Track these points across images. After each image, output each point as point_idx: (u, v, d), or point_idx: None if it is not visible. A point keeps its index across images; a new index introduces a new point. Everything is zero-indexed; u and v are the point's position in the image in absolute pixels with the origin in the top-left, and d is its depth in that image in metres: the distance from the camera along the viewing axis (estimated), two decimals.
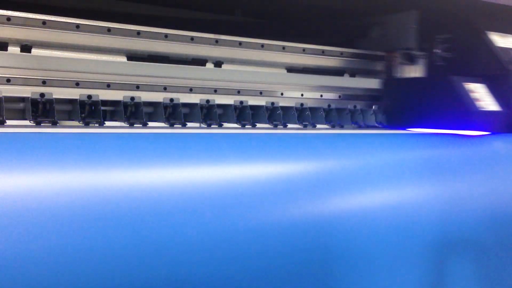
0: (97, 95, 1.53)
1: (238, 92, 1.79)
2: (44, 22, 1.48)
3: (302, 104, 1.89)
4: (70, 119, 1.54)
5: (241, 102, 1.77)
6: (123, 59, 1.62)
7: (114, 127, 1.53)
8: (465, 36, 1.99)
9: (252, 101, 1.80)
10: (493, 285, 1.60)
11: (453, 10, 1.98)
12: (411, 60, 2.08)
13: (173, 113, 1.65)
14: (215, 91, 1.75)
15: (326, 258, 1.27)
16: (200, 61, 1.74)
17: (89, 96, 1.52)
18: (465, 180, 1.60)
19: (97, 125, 1.51)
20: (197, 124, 1.70)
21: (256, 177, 1.25)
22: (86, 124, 1.51)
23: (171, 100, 1.64)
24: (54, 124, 1.44)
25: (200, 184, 1.16)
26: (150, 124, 1.61)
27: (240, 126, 1.75)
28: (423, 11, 2.03)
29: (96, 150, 1.12)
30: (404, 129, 1.93)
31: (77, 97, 1.51)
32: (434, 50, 2.05)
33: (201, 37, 1.72)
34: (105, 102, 1.57)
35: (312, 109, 1.91)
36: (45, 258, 0.95)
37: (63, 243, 0.97)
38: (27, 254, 0.93)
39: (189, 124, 1.66)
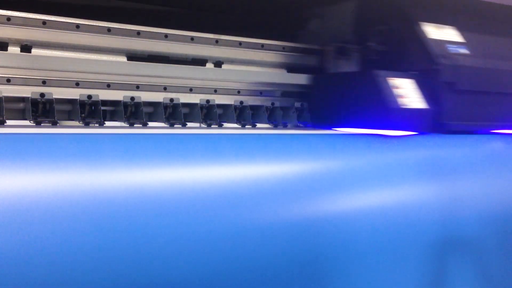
0: (97, 95, 1.53)
1: (238, 92, 1.79)
2: (44, 22, 1.48)
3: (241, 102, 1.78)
4: (70, 119, 1.54)
5: (241, 102, 1.77)
6: (123, 59, 1.62)
7: (114, 127, 1.53)
8: (399, 28, 1.80)
9: (252, 101, 1.80)
10: (493, 285, 1.60)
11: (389, 0, 1.81)
12: (344, 54, 1.91)
13: (173, 113, 1.65)
14: (215, 91, 1.75)
15: (325, 258, 1.27)
16: (200, 61, 1.74)
17: (89, 96, 1.52)
18: (456, 181, 1.60)
19: (97, 125, 1.51)
20: (197, 124, 1.70)
21: (256, 178, 1.25)
22: (86, 124, 1.51)
23: (171, 100, 1.64)
24: (54, 124, 1.44)
25: (200, 184, 1.16)
26: (150, 124, 1.61)
27: (240, 126, 1.75)
28: (361, 2, 1.90)
29: (96, 150, 1.12)
30: (329, 128, 1.77)
31: (77, 97, 1.51)
32: (368, 44, 1.87)
33: (201, 37, 1.72)
34: (105, 102, 1.57)
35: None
36: (45, 259, 0.94)
37: (63, 243, 0.97)
38: (27, 255, 0.93)
39: (189, 124, 1.66)
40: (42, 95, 1.45)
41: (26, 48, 1.47)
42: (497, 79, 1.85)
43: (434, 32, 1.77)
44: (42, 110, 1.46)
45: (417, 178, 1.50)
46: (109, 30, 1.57)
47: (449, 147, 1.67)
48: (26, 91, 1.44)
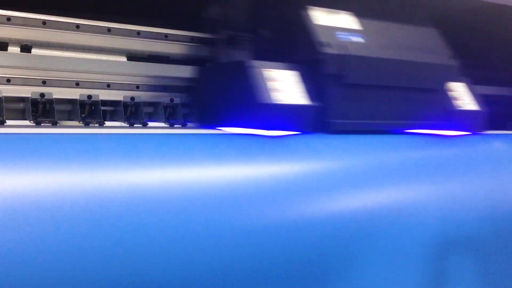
0: (97, 95, 1.53)
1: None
2: (44, 22, 1.48)
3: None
4: (70, 119, 1.54)
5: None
6: (123, 59, 1.62)
7: (114, 127, 1.53)
8: (287, 13, 1.57)
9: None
10: (493, 285, 1.60)
11: None
12: (234, 43, 1.68)
13: (173, 113, 1.65)
14: None
15: (325, 258, 1.27)
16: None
17: (89, 96, 1.52)
18: (455, 181, 1.60)
19: (97, 125, 1.51)
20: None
21: (256, 178, 1.25)
22: (86, 124, 1.51)
23: (172, 100, 1.64)
24: (54, 124, 1.44)
25: (200, 184, 1.16)
26: (150, 124, 1.61)
27: None
28: None
29: (95, 150, 1.12)
30: (213, 128, 1.53)
31: (77, 97, 1.51)
32: (259, 31, 1.66)
33: (199, 37, 1.71)
34: (105, 102, 1.57)
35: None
36: (45, 259, 0.95)
37: (63, 243, 0.97)
38: (27, 255, 0.93)
39: (189, 124, 1.66)
40: (42, 95, 1.45)
41: (26, 48, 1.47)
42: (397, 71, 1.61)
43: (324, 17, 1.56)
44: (42, 110, 1.46)
45: (417, 178, 1.50)
46: (109, 30, 1.57)
47: (449, 147, 1.67)
48: (26, 91, 1.44)
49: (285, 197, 1.23)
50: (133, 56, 1.63)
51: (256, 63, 1.43)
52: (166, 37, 1.67)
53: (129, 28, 1.60)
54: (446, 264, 1.48)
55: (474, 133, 1.78)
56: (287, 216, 1.22)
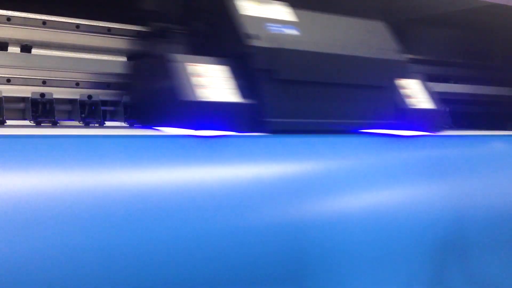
0: (97, 95, 1.53)
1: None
2: (44, 22, 1.48)
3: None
4: (70, 119, 1.54)
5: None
6: (123, 59, 1.62)
7: (114, 127, 1.53)
8: (216, 4, 1.46)
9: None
10: (493, 285, 1.60)
11: None
12: (164, 36, 1.60)
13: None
14: None
15: (322, 259, 1.27)
16: None
17: (89, 96, 1.52)
18: (454, 181, 1.60)
19: (97, 125, 1.51)
20: None
21: (256, 178, 1.25)
22: (86, 124, 1.51)
23: None
24: (54, 124, 1.44)
25: (200, 185, 1.16)
26: None
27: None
28: None
29: (95, 151, 1.12)
30: (151, 128, 1.43)
31: (77, 97, 1.51)
32: (193, 24, 1.56)
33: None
34: (105, 102, 1.57)
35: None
36: (45, 260, 0.95)
37: (63, 243, 0.97)
38: (26, 256, 0.93)
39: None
40: (42, 95, 1.45)
41: (26, 48, 1.47)
42: (336, 67, 1.49)
43: (254, 8, 1.44)
44: (42, 110, 1.46)
45: (417, 179, 1.50)
46: (109, 30, 1.57)
47: (449, 147, 1.67)
48: (26, 91, 1.44)
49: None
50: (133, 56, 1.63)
51: (180, 57, 1.33)
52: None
53: (129, 28, 1.60)
54: (447, 264, 1.48)
55: (430, 134, 1.66)
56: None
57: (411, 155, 1.55)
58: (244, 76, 1.37)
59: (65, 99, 1.52)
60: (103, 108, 1.53)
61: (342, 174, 1.37)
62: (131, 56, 1.62)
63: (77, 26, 1.52)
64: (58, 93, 1.49)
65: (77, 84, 1.52)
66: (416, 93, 1.68)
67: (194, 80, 1.29)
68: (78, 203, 1.00)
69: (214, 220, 1.13)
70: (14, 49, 1.46)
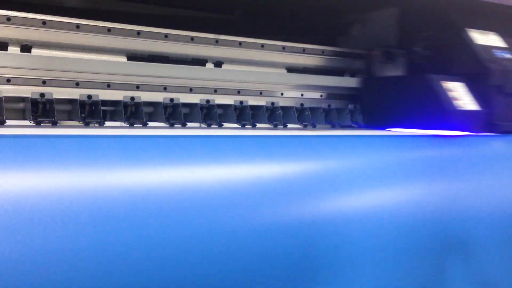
0: (97, 95, 1.53)
1: (238, 92, 1.80)
2: (44, 22, 1.48)
3: (302, 104, 1.90)
4: (70, 119, 1.54)
5: (241, 102, 1.77)
6: (123, 59, 1.62)
7: (114, 127, 1.53)
8: (445, 34, 1.94)
9: (252, 101, 1.80)
10: (493, 285, 1.60)
11: (433, 7, 1.96)
12: (390, 58, 2.05)
13: (173, 113, 1.65)
14: (215, 91, 1.75)
15: (322, 258, 1.27)
16: (200, 61, 1.74)
17: (89, 96, 1.52)
18: (455, 181, 1.60)
19: (97, 125, 1.51)
20: (197, 124, 1.70)
21: (256, 178, 1.25)
22: (86, 124, 1.51)
23: (171, 100, 1.64)
24: (54, 124, 1.44)
25: (200, 185, 1.16)
26: (150, 124, 1.61)
27: (240, 126, 1.75)
28: (403, 8, 2.04)
29: (95, 151, 1.12)
30: (383, 129, 1.89)
31: (77, 97, 1.51)
32: (414, 48, 2.02)
33: (201, 37, 1.72)
34: (105, 102, 1.57)
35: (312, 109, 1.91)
36: (45, 260, 0.95)
37: (63, 243, 0.97)
38: (26, 256, 0.93)
39: (189, 124, 1.66)
40: (42, 95, 1.45)
41: (26, 48, 1.47)
42: None
43: (480, 38, 1.90)
44: (42, 110, 1.46)
45: (417, 179, 1.50)
46: (109, 30, 1.57)
47: (449, 147, 1.67)
48: (26, 91, 1.44)
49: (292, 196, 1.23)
50: (133, 56, 1.63)
51: (437, 76, 1.78)
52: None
53: (129, 28, 1.60)
54: (447, 264, 1.48)
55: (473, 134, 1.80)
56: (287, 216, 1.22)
57: (411, 155, 1.55)
58: (478, 90, 1.81)
59: (65, 99, 1.52)
60: (103, 108, 1.53)
61: (342, 174, 1.37)
62: (130, 56, 1.63)
63: (77, 26, 1.52)
64: (58, 93, 1.49)
65: (77, 84, 1.52)
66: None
67: (450, 94, 1.74)
68: (78, 203, 1.00)
69: (214, 220, 1.13)
70: (14, 49, 1.46)
